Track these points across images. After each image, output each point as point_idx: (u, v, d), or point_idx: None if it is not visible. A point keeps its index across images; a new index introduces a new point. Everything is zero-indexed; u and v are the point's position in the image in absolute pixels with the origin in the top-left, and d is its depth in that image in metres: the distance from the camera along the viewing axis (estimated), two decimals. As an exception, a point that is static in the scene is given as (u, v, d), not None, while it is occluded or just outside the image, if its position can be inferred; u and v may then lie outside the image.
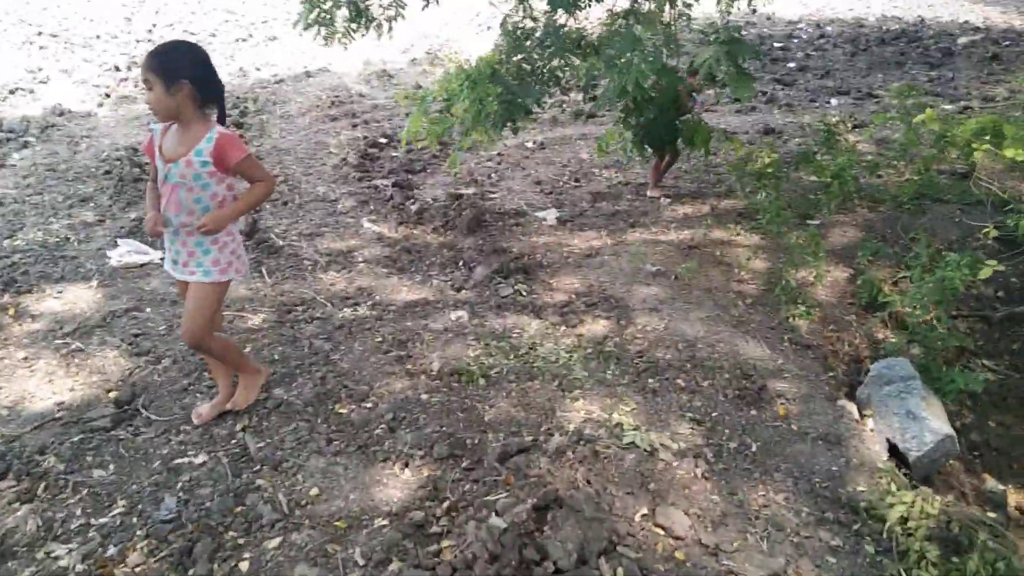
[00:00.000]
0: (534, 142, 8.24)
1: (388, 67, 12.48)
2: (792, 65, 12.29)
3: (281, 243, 5.29)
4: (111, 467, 3.10)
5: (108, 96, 10.26)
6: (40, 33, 15.37)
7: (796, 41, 14.43)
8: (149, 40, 14.84)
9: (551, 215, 5.92)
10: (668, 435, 3.34)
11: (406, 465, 3.10)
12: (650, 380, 3.79)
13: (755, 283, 4.88)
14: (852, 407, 3.81)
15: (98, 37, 15.01)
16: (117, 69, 12.01)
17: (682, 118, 5.77)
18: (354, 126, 8.93)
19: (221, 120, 2.98)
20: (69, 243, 5.36)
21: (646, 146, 6.06)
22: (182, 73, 2.79)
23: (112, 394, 3.57)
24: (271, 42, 15.21)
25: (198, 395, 3.55)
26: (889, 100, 8.56)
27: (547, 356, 3.91)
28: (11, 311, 4.31)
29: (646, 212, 6.03)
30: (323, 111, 9.64)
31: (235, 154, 2.91)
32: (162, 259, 4.48)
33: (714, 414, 3.57)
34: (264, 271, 4.90)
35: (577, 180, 7.01)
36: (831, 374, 4.16)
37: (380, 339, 4.07)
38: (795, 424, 3.55)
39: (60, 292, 4.56)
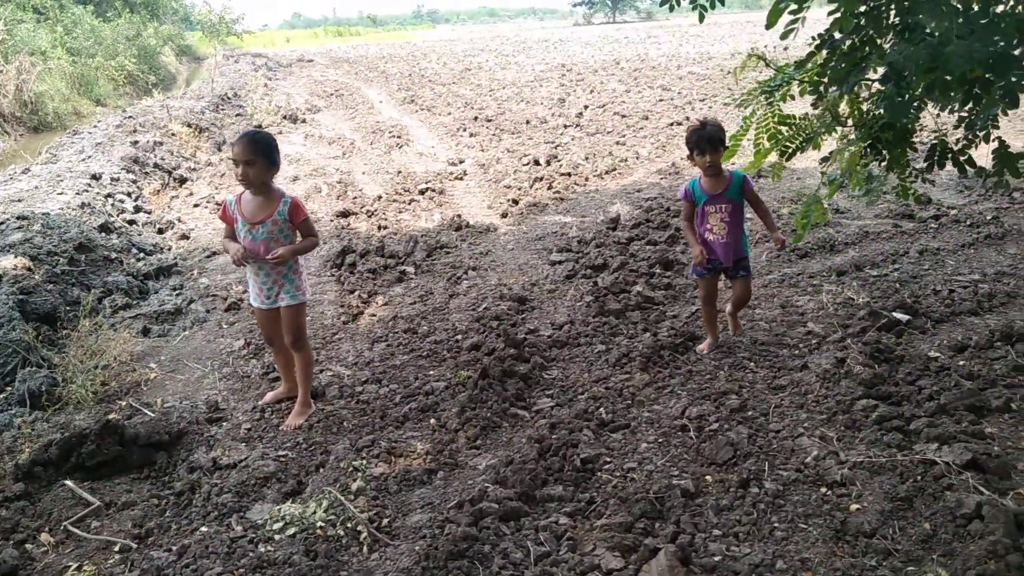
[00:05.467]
0: None
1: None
2: None
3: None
4: None
5: (516, 203, 8.47)
6: (476, 118, 14.88)
7: None
8: (577, 125, 13.33)
9: None
10: None
11: None
12: None
13: None
14: None
15: (527, 122, 13.94)
16: (536, 164, 10.41)
17: None
18: (840, 274, 5.69)
19: None
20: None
21: None
22: (273, 156, 3.82)
23: None
24: (711, 126, 12.62)
25: None
26: None
27: None
28: None
29: None
30: (787, 248, 6.55)
31: (301, 214, 3.90)
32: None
33: None
34: None
35: None
36: None
37: None
38: None
39: None
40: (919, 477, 3.19)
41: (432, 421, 4.01)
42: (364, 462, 3.62)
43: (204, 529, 3.22)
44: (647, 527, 2.99)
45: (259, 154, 3.76)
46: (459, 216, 7.91)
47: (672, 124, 12.66)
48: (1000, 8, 2.92)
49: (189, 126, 13.99)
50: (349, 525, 3.14)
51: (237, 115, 16.99)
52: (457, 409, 4.02)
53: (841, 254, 6.24)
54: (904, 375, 4.09)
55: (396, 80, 23.74)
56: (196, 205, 9.36)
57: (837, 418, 3.73)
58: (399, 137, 13.33)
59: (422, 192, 9.14)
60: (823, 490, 3.20)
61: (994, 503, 2.91)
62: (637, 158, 10.51)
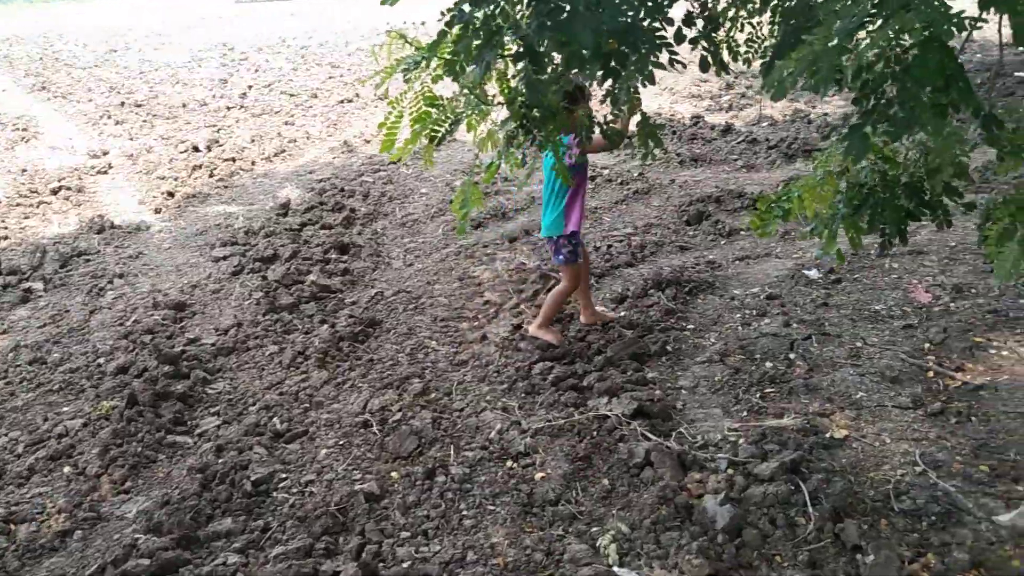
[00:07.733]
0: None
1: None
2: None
3: None
4: None
5: (172, 195, 7.57)
6: (124, 103, 13.21)
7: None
8: (242, 106, 12.40)
9: None
10: None
11: None
12: None
13: None
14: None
15: (184, 106, 12.67)
16: (196, 150, 9.44)
17: None
18: (512, 240, 5.80)
19: None
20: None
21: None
22: None
23: None
24: (381, 102, 12.46)
25: None
26: None
27: None
28: None
29: None
30: (461, 211, 6.57)
31: None
32: None
33: None
34: None
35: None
36: None
37: None
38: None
39: None
40: (595, 433, 3.26)
41: (67, 469, 3.32)
42: (-30, 541, 2.87)
43: None
44: (329, 545, 2.69)
45: None
46: (102, 216, 6.85)
47: (343, 101, 12.28)
48: None
49: None
50: (-55, 631, 2.43)
51: None
52: (99, 449, 3.37)
53: (512, 221, 6.38)
54: (574, 333, 4.22)
55: (23, 65, 20.35)
56: None
57: (517, 386, 3.73)
58: (25, 130, 11.36)
59: (55, 192, 7.81)
60: (509, 464, 3.14)
61: (660, 448, 3.05)
62: (308, 138, 9.99)
